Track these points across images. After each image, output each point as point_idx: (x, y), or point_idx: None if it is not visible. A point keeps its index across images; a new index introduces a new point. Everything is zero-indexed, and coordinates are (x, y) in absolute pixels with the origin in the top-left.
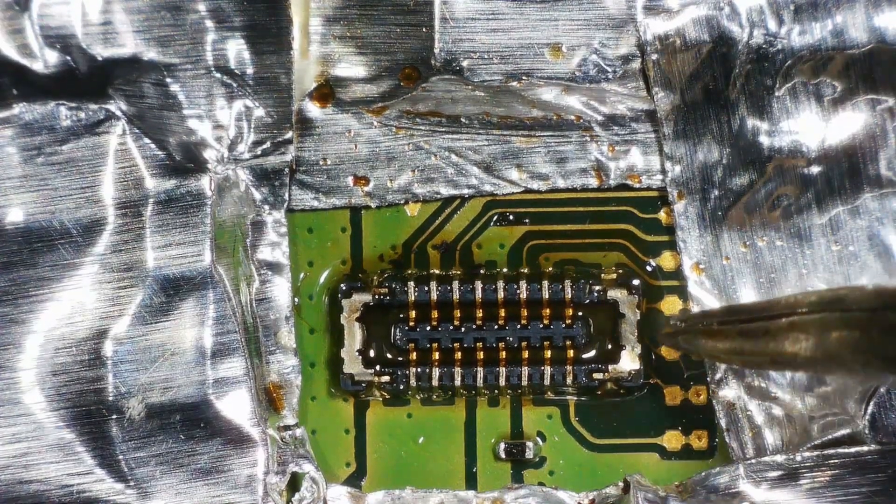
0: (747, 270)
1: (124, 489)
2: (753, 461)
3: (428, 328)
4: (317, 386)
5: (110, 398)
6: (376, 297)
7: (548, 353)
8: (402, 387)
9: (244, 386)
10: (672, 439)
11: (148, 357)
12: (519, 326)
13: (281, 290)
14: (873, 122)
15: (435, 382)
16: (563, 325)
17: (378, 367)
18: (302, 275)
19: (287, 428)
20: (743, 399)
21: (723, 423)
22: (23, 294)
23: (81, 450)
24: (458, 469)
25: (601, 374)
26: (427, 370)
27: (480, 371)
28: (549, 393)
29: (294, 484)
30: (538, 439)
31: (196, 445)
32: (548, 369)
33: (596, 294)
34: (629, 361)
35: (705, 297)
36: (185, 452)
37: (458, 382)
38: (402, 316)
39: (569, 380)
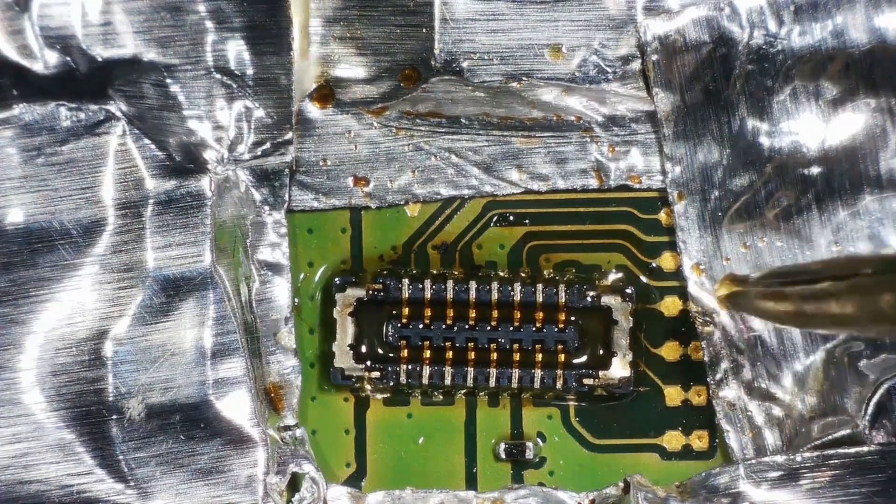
0: (747, 271)
1: (124, 489)
2: (753, 461)
3: (420, 326)
4: (317, 386)
5: (110, 398)
6: (370, 292)
7: (539, 357)
8: (392, 383)
9: (244, 386)
10: (672, 440)
11: (148, 357)
12: (511, 328)
13: (281, 291)
14: (873, 122)
15: (425, 380)
16: (556, 329)
17: (369, 363)
18: (302, 275)
19: (287, 428)
20: (743, 399)
21: (723, 423)
22: (23, 294)
23: (81, 450)
24: (459, 469)
25: (591, 380)
26: (418, 368)
27: (471, 371)
28: (548, 394)
29: (294, 484)
30: (538, 440)
31: (196, 446)
32: (538, 372)
33: (590, 299)
34: (620, 368)
35: (705, 298)
36: (186, 453)
37: (448, 381)
38: (395, 312)
39: (559, 384)
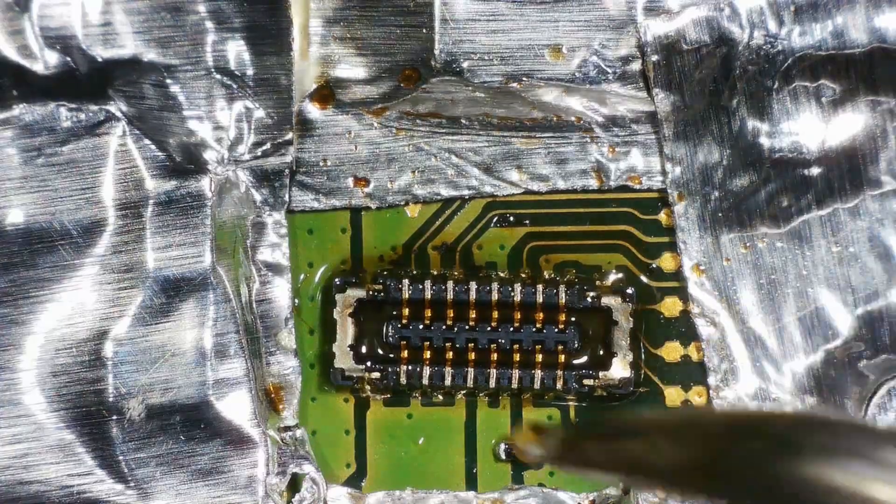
0: (747, 272)
1: (124, 490)
2: None
3: (420, 326)
4: (317, 387)
5: (110, 399)
6: (370, 293)
7: (539, 357)
8: (392, 383)
9: (244, 387)
10: None
11: (148, 358)
12: (511, 329)
13: (281, 291)
14: (873, 123)
15: (426, 381)
16: (556, 330)
17: (369, 363)
18: (302, 276)
19: (287, 429)
20: (743, 400)
21: None
22: (23, 295)
23: (82, 450)
24: (459, 470)
25: (591, 381)
26: (418, 368)
27: (471, 371)
28: (548, 394)
29: (294, 485)
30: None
31: (196, 446)
32: (538, 373)
33: (590, 300)
34: (620, 369)
35: (705, 299)
36: (186, 453)
37: (448, 382)
38: (395, 313)
39: (559, 385)
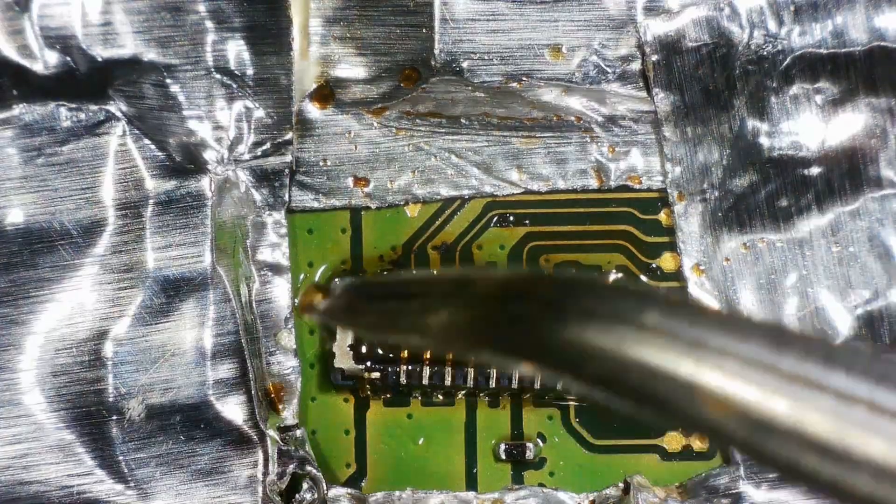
0: (747, 272)
1: (124, 490)
2: (753, 462)
3: None
4: (317, 387)
5: (110, 399)
6: None
7: None
8: (392, 384)
9: (244, 387)
10: (672, 440)
11: (148, 358)
12: None
13: (281, 291)
14: (873, 123)
15: (426, 381)
16: None
17: (369, 363)
18: (302, 276)
19: (287, 429)
20: None
21: None
22: (23, 295)
23: (81, 451)
24: (459, 470)
25: None
26: (418, 368)
27: (471, 371)
28: (549, 395)
29: (294, 485)
30: (538, 440)
31: (196, 446)
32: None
33: None
34: None
35: (706, 299)
36: (186, 453)
37: (448, 382)
38: None
39: (559, 385)
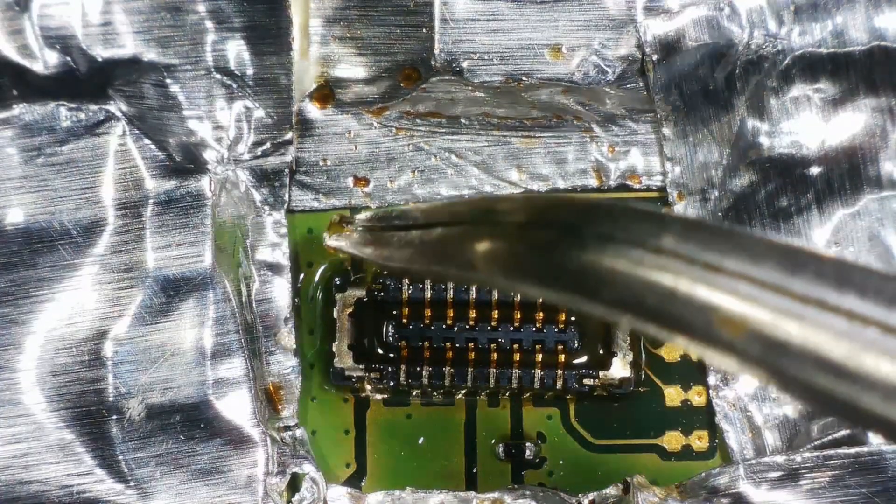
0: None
1: (124, 489)
2: (753, 462)
3: (420, 326)
4: (317, 387)
5: (110, 399)
6: (370, 292)
7: (539, 357)
8: (392, 383)
9: (244, 386)
10: (672, 440)
11: (148, 357)
12: (511, 329)
13: (281, 291)
14: (873, 122)
15: (425, 381)
16: (556, 330)
17: (369, 363)
18: (302, 275)
19: (287, 428)
20: (743, 400)
21: (723, 423)
22: (23, 295)
23: (81, 450)
24: (458, 469)
25: (591, 381)
26: (418, 368)
27: (471, 371)
28: (548, 394)
29: (294, 484)
30: (538, 440)
31: (196, 446)
32: (538, 373)
33: None
34: (620, 368)
35: None
36: (186, 453)
37: (447, 382)
38: (395, 313)
39: (559, 384)
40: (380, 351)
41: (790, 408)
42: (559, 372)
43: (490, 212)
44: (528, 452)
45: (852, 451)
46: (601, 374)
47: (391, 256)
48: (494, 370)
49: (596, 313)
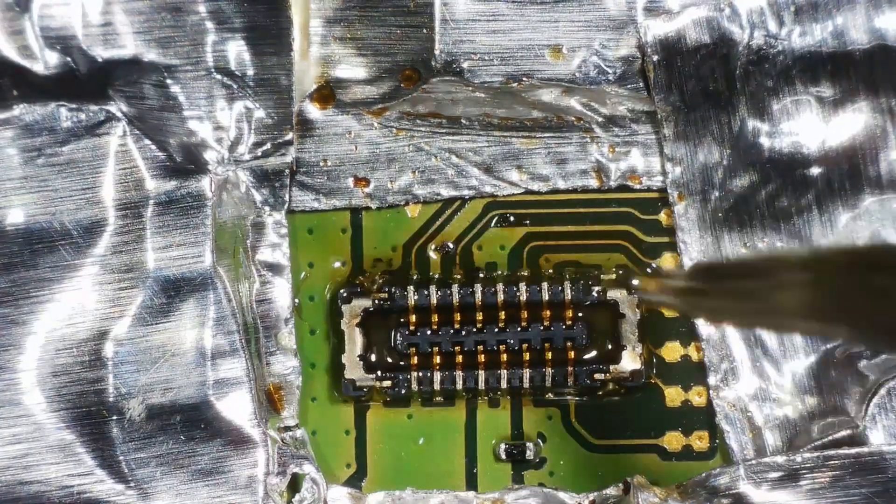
0: None
1: (125, 490)
2: (753, 462)
3: (428, 332)
4: (317, 387)
5: (111, 399)
6: (376, 302)
7: (549, 355)
8: (403, 391)
9: (244, 387)
10: (672, 440)
11: (148, 358)
12: (519, 329)
13: (281, 291)
14: (874, 123)
15: (437, 386)
16: (564, 327)
17: (379, 373)
18: (302, 275)
19: (287, 429)
20: (743, 400)
21: (723, 424)
22: (23, 295)
23: (82, 451)
24: (459, 470)
25: (602, 375)
26: (429, 374)
27: (482, 374)
28: (549, 394)
29: (294, 485)
30: (538, 440)
31: (196, 446)
32: (549, 371)
33: (596, 294)
34: (630, 361)
35: None
36: (186, 453)
37: (459, 386)
38: (402, 320)
39: (570, 381)
40: (389, 360)
41: (791, 408)
42: (570, 369)
43: (825, 258)
44: (528, 452)
45: (852, 451)
46: (612, 367)
47: (722, 308)
48: (506, 371)
49: None
